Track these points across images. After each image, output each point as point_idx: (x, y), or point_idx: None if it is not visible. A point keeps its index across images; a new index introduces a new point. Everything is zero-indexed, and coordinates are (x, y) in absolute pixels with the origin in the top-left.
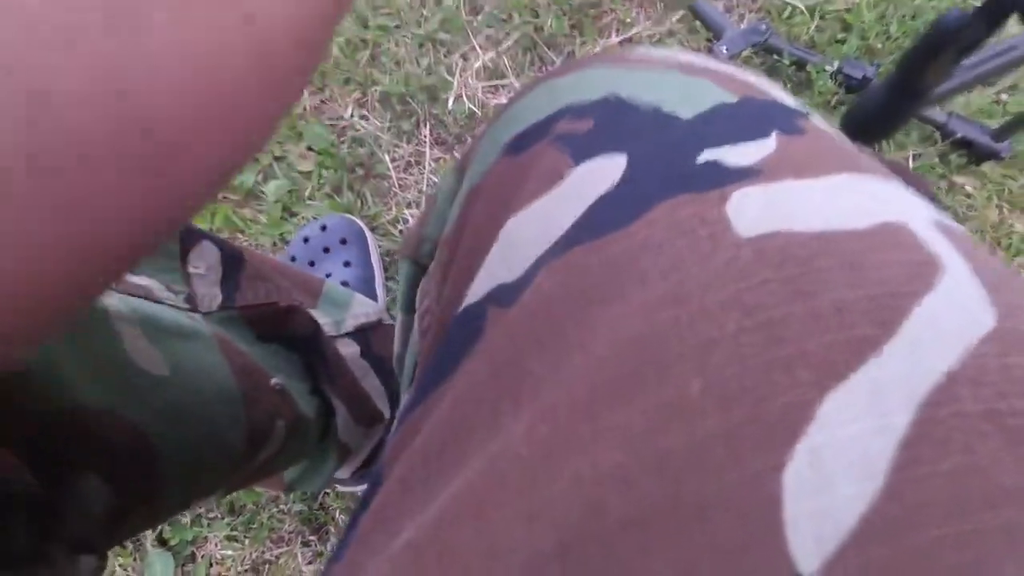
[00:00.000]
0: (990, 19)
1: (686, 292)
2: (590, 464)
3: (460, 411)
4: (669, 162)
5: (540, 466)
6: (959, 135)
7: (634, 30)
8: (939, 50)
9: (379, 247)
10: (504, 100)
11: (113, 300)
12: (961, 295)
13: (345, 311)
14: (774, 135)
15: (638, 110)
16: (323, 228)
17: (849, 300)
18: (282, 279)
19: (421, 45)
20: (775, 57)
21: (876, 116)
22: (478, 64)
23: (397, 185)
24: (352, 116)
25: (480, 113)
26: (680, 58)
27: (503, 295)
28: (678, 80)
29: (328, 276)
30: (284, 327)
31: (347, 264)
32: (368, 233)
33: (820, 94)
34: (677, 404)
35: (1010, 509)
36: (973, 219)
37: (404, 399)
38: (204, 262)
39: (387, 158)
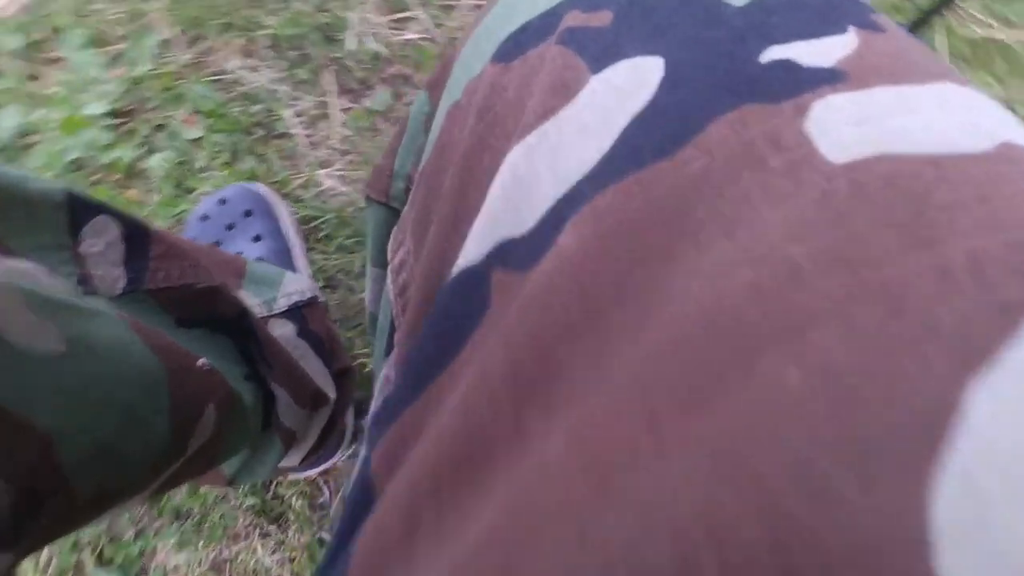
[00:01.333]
0: None
1: (765, 247)
2: (668, 493)
3: (472, 421)
4: (724, 63)
5: (590, 498)
6: None
7: None
8: None
9: (295, 214)
10: (412, 36)
11: None
12: None
13: (276, 289)
14: (852, 30)
15: None
16: (222, 202)
17: (985, 249)
18: (199, 256)
19: None
20: None
21: None
22: None
23: (305, 143)
24: (239, 68)
25: (387, 52)
26: None
27: (513, 254)
28: None
29: (239, 254)
30: (206, 310)
31: (257, 239)
32: (276, 200)
33: None
34: (770, 406)
35: None
36: None
37: (384, 375)
38: (101, 238)
39: (287, 114)
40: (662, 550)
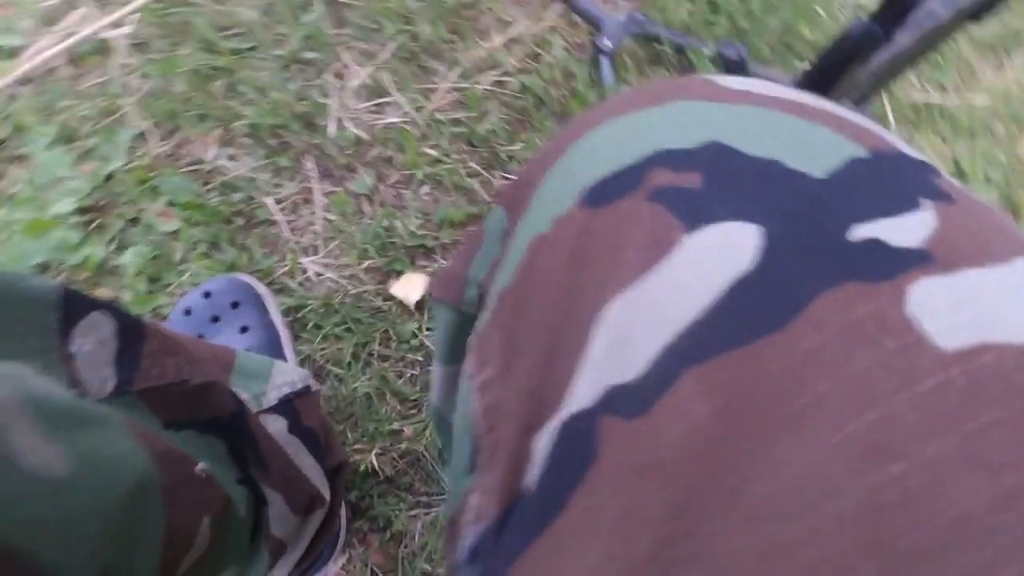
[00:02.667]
0: (893, 19)
1: (894, 435)
2: None
3: None
4: (819, 238)
5: None
6: None
7: (514, 29)
8: (848, 62)
9: (279, 304)
10: (393, 119)
11: None
12: None
13: (265, 382)
14: (928, 205)
15: (753, 163)
16: (206, 295)
17: None
18: (191, 350)
19: (286, 67)
20: (655, 44)
21: None
22: (356, 83)
23: (288, 230)
24: (217, 158)
25: (368, 137)
26: (780, 93)
27: (622, 400)
28: (792, 125)
29: (227, 347)
30: (199, 409)
31: (244, 329)
32: (263, 289)
33: None
34: None
35: None
36: None
37: (476, 505)
38: (94, 336)
39: (269, 201)
40: None
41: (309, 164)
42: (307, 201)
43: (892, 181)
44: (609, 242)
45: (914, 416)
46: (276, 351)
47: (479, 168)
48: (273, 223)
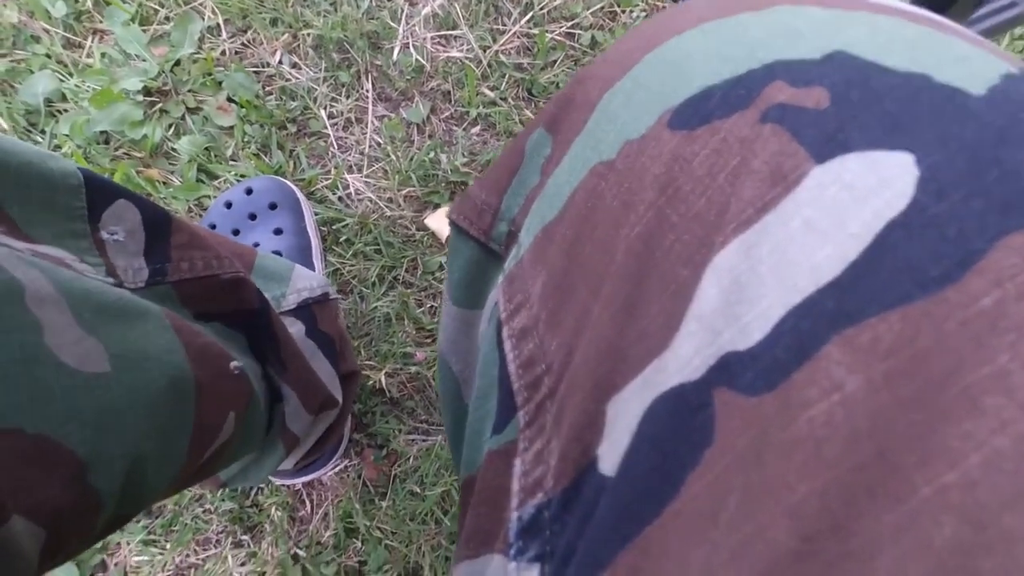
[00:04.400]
0: None
1: None
2: None
3: None
4: (992, 170)
5: None
6: None
7: None
8: None
9: (315, 214)
10: (457, 54)
11: (32, 274)
12: None
13: (285, 284)
14: None
15: (894, 77)
16: (248, 191)
17: None
18: (220, 247)
19: None
20: None
21: None
22: (426, 10)
23: (336, 145)
24: (281, 63)
25: (429, 67)
26: (890, 2)
27: (739, 372)
28: (923, 33)
29: (256, 246)
30: (226, 303)
31: (278, 232)
32: (302, 197)
33: None
34: None
35: None
36: None
37: (522, 471)
38: (122, 226)
39: (323, 114)
40: None
41: (367, 84)
42: (359, 120)
43: None
44: (711, 173)
45: None
46: (306, 258)
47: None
48: (324, 136)
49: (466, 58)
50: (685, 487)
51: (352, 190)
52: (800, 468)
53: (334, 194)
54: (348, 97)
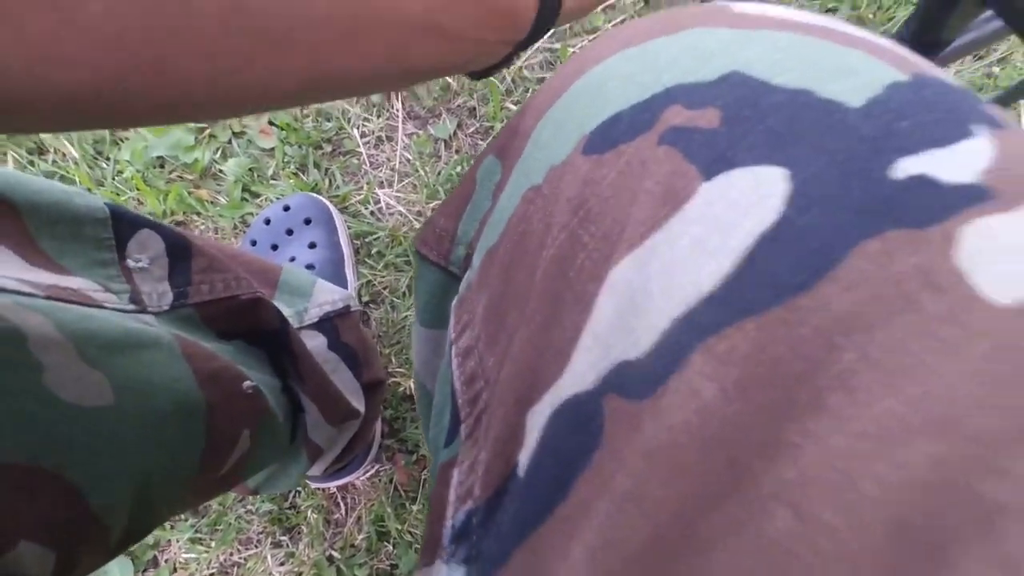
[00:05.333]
0: None
1: (935, 412)
2: None
3: None
4: (857, 180)
5: None
6: None
7: None
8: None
9: (348, 228)
10: None
11: (35, 320)
12: None
13: (307, 299)
14: (984, 131)
15: (779, 95)
16: (286, 208)
17: None
18: (238, 266)
19: None
20: None
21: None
22: None
23: (368, 162)
24: None
25: (455, 85)
26: (799, 17)
27: (629, 380)
28: (817, 48)
29: (292, 260)
30: (247, 322)
31: (312, 246)
32: (335, 212)
33: None
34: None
35: None
36: None
37: (459, 481)
38: (146, 254)
39: (356, 133)
40: None
41: (397, 104)
42: (390, 138)
43: (939, 106)
44: (616, 194)
45: (960, 390)
46: (338, 269)
47: None
48: (356, 154)
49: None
50: (574, 490)
51: (383, 204)
52: (660, 475)
53: (366, 208)
54: (379, 117)
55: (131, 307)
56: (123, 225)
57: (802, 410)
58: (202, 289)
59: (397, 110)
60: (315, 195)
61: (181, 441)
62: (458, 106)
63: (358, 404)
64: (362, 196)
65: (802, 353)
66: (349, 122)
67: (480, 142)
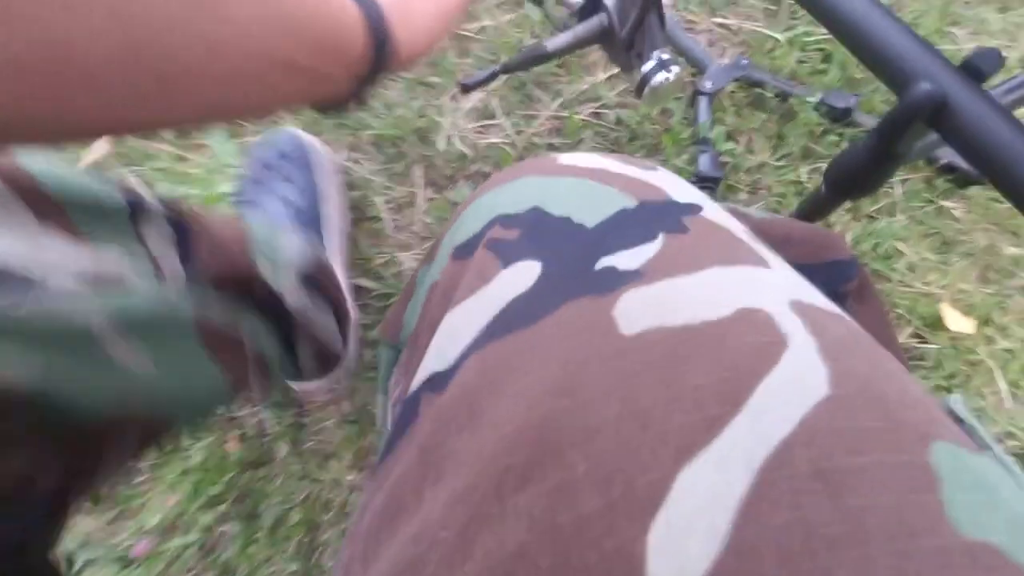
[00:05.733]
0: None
1: (578, 384)
2: (499, 543)
3: (393, 496)
4: (574, 268)
5: (456, 546)
6: (944, 161)
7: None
8: (911, 122)
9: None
10: (496, 140)
11: (94, 305)
12: (801, 368)
13: (276, 252)
14: (660, 237)
15: (554, 220)
16: (267, 142)
17: (704, 384)
18: (233, 242)
19: (411, 88)
20: (758, 89)
21: (857, 177)
22: (468, 105)
23: (391, 227)
24: (345, 160)
25: (471, 154)
26: (597, 165)
27: (436, 382)
28: (589, 189)
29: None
30: (244, 287)
31: (287, 180)
32: (318, 147)
33: (804, 124)
34: (568, 485)
35: (826, 555)
36: (963, 243)
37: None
38: (160, 236)
39: (379, 200)
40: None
41: (418, 172)
42: (411, 204)
43: (642, 223)
44: (459, 279)
45: (591, 373)
46: (313, 211)
47: None
48: (379, 219)
49: (503, 143)
50: (395, 453)
51: (405, 267)
52: (432, 424)
53: (387, 271)
54: (401, 185)
55: (158, 277)
56: (138, 205)
57: (512, 388)
58: (209, 265)
59: (417, 177)
60: (295, 131)
61: (206, 391)
62: (475, 172)
63: (335, 344)
64: (384, 260)
65: (518, 357)
66: (373, 190)
67: None
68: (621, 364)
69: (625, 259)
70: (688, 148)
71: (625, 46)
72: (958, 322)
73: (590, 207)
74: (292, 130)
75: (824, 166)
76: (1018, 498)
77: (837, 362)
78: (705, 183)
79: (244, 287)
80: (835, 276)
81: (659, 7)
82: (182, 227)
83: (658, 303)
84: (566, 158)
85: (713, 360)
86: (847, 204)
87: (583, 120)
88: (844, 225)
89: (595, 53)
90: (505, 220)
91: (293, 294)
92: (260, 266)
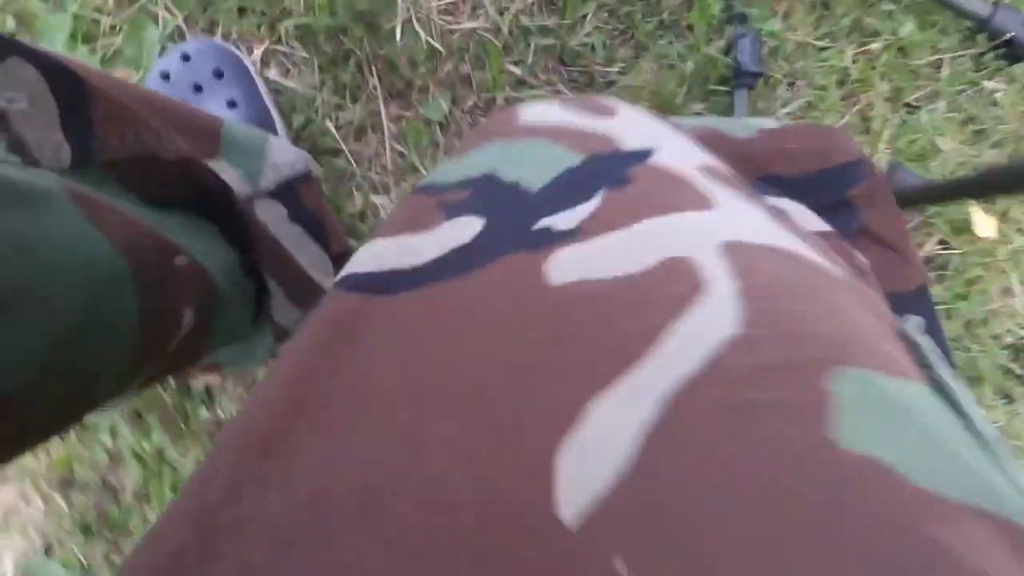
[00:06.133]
0: None
1: (507, 324)
2: (427, 468)
3: (286, 399)
4: (514, 228)
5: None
6: (1010, 34)
7: None
8: None
9: (265, 81)
10: (472, 25)
11: None
12: (713, 311)
13: (261, 159)
14: (600, 194)
15: (503, 185)
16: (185, 58)
17: (624, 327)
18: (155, 117)
19: None
20: None
21: None
22: None
23: (353, 163)
24: (269, 68)
25: (441, 48)
26: (555, 120)
27: (350, 282)
28: (541, 150)
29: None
30: (180, 187)
31: (232, 104)
32: (247, 60)
33: None
34: (492, 410)
35: (721, 478)
36: (997, 132)
37: None
38: (22, 91)
39: (329, 125)
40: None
41: (372, 81)
42: (372, 127)
43: (582, 183)
44: (411, 217)
45: (521, 317)
46: (269, 130)
47: (570, 94)
48: (337, 152)
49: (483, 29)
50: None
51: (384, 216)
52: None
53: (365, 224)
54: (354, 100)
55: (13, 158)
56: None
57: (448, 327)
58: (110, 144)
59: (373, 87)
60: (217, 40)
61: (109, 307)
62: (449, 75)
63: (326, 279)
64: (357, 208)
65: (456, 300)
66: (316, 111)
67: (482, 118)
68: (549, 310)
69: (563, 220)
70: (721, 27)
71: None
72: (985, 226)
73: (539, 170)
74: (214, 40)
75: (875, 45)
76: (939, 421)
77: (755, 302)
78: (743, 79)
79: (188, 189)
80: (843, 180)
81: None
82: (69, 84)
83: (588, 258)
84: (526, 115)
85: (631, 309)
86: (886, 91)
87: None
88: (882, 120)
89: None
90: (463, 183)
91: (268, 210)
92: (221, 167)
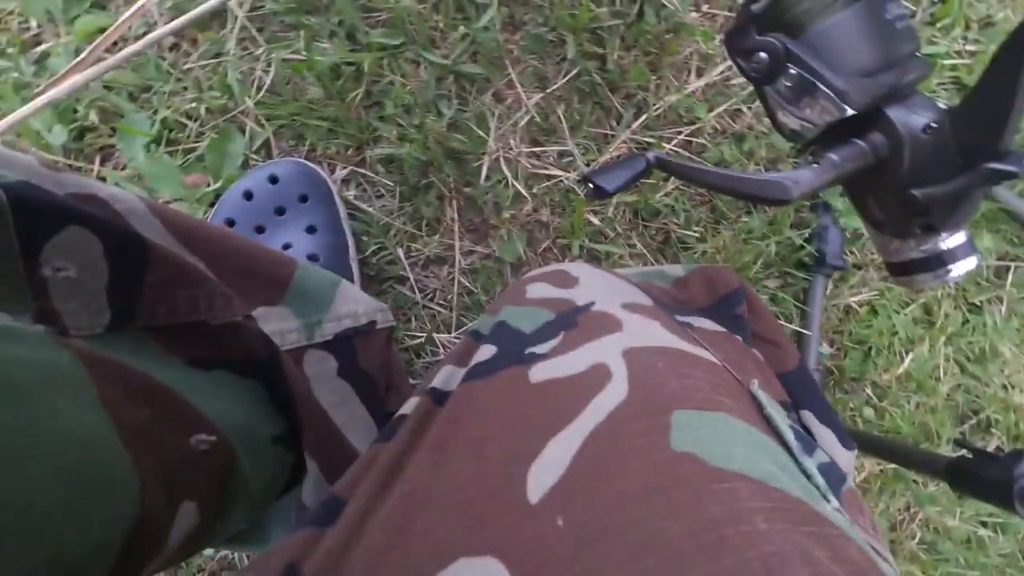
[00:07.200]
0: None
1: (506, 402)
2: (452, 475)
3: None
4: (514, 352)
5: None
6: None
7: (716, 70)
8: None
9: (344, 202)
10: (556, 172)
11: None
12: (613, 388)
13: (325, 309)
14: (561, 334)
15: (511, 329)
16: (273, 180)
17: (570, 401)
18: (219, 263)
19: (439, 79)
20: None
21: None
22: (523, 120)
23: (417, 292)
24: (349, 188)
25: (525, 192)
26: (545, 295)
27: (439, 395)
28: (533, 312)
29: (286, 248)
30: (229, 348)
31: (311, 230)
32: (331, 183)
33: None
34: (485, 454)
35: (611, 468)
36: None
37: None
38: (73, 259)
39: (400, 253)
40: None
41: (450, 213)
42: (444, 260)
43: (552, 328)
44: (455, 352)
45: (513, 410)
46: (342, 259)
47: (644, 250)
48: (404, 280)
49: (565, 177)
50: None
51: (442, 355)
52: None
53: (421, 359)
54: (430, 232)
55: (39, 328)
56: (37, 221)
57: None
58: (157, 310)
59: (452, 220)
60: (307, 162)
61: (96, 516)
62: (528, 217)
63: (362, 443)
64: (417, 342)
65: (492, 398)
66: (392, 239)
67: (553, 262)
68: (524, 396)
69: (541, 348)
70: (804, 214)
71: (914, 206)
72: None
73: (530, 321)
74: (303, 161)
75: None
76: (739, 435)
77: (636, 379)
78: (823, 269)
79: (232, 349)
80: (731, 303)
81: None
82: (130, 248)
83: (553, 368)
84: (529, 292)
85: (573, 392)
86: (951, 290)
87: (671, 150)
88: (945, 318)
89: (687, 45)
90: (488, 329)
91: (318, 364)
92: (282, 314)
